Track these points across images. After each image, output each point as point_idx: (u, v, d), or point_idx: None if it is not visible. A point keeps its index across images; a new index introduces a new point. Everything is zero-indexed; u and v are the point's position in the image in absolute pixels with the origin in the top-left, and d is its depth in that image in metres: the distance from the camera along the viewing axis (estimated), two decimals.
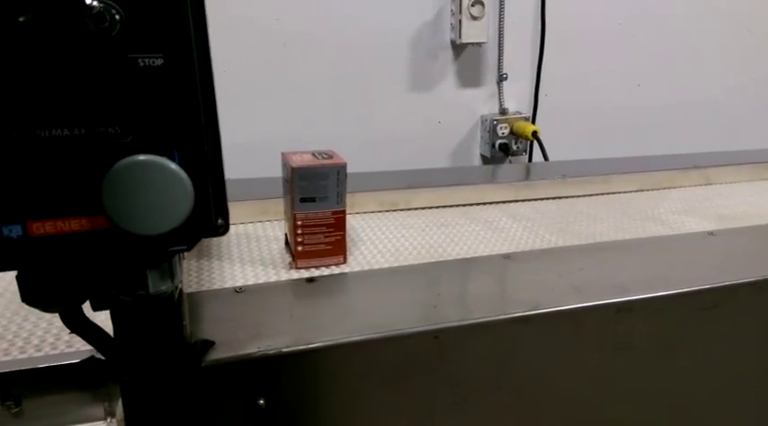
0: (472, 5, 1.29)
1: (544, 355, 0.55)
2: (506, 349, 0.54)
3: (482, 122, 1.44)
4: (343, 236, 0.64)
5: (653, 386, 0.60)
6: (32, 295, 0.27)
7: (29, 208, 0.23)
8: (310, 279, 0.60)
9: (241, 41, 1.23)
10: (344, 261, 0.65)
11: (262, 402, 0.47)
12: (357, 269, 0.64)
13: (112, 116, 0.23)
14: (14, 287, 0.62)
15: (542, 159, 1.39)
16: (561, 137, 1.46)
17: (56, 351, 0.51)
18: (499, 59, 1.40)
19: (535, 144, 1.40)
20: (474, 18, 1.30)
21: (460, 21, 1.30)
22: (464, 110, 1.43)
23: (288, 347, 0.47)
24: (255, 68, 1.26)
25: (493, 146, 1.42)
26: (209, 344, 0.46)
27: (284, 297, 0.57)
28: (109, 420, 0.53)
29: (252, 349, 0.46)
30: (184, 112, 0.23)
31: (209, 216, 0.25)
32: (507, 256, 0.66)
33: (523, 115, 1.43)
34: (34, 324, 0.55)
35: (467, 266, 0.64)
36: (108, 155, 0.23)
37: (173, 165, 0.23)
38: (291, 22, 1.25)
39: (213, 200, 0.25)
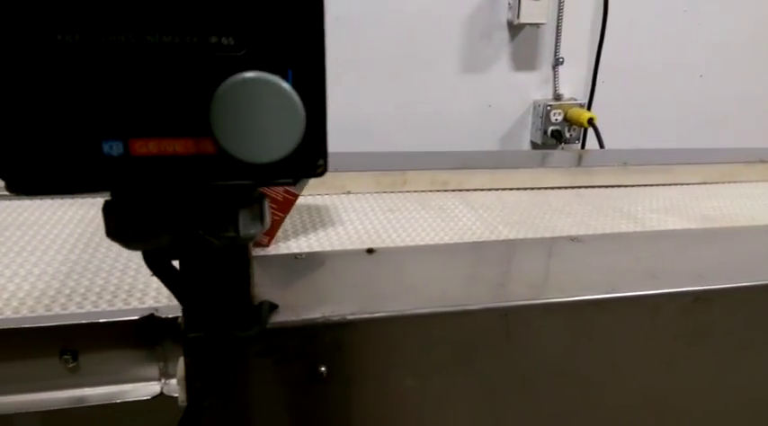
0: None
1: (615, 342, 0.52)
2: (576, 333, 0.51)
3: (534, 107, 1.40)
4: (282, 219, 0.60)
5: (729, 380, 0.56)
6: (121, 227, 0.25)
7: (132, 123, 0.21)
8: (370, 250, 0.58)
9: None
10: (267, 244, 0.61)
11: (323, 369, 0.45)
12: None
13: (227, 25, 0.21)
14: (87, 239, 0.63)
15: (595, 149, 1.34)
16: (616, 126, 1.40)
17: (128, 307, 0.50)
18: (556, 42, 1.35)
19: (588, 133, 1.36)
20: None
21: (520, 0, 1.25)
22: (516, 95, 1.38)
23: (353, 314, 0.45)
24: None
25: (545, 132, 1.37)
26: (273, 307, 0.44)
27: (344, 265, 0.55)
28: (163, 381, 0.53)
29: (316, 314, 0.45)
30: (303, 28, 0.21)
31: (317, 150, 0.23)
32: (574, 238, 0.62)
33: (578, 101, 1.38)
34: (105, 280, 0.54)
35: (532, 246, 0.61)
36: (219, 70, 0.21)
37: (287, 86, 0.21)
38: None
39: (320, 134, 0.22)
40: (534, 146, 1.43)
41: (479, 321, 0.48)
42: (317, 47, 0.21)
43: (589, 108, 1.39)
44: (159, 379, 0.52)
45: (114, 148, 0.20)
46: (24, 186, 0.20)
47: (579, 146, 1.41)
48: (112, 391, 0.51)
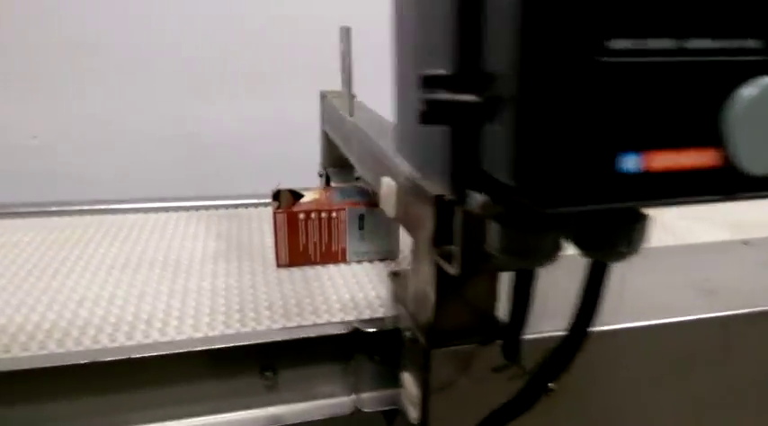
0: None
1: None
2: None
3: None
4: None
5: None
6: (522, 243, 0.23)
7: (650, 134, 0.19)
8: None
9: None
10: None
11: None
12: None
13: (757, 25, 0.19)
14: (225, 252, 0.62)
15: None
16: None
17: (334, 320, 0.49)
18: None
19: None
20: None
21: None
22: None
23: None
24: None
25: None
26: None
27: None
28: (353, 395, 0.51)
29: (544, 327, 0.43)
30: None
31: None
32: (746, 242, 0.60)
33: None
34: (310, 298, 0.53)
35: (710, 251, 0.59)
36: (739, 75, 0.19)
37: None
38: None
39: None
40: None
41: (699, 331, 0.46)
42: None
43: None
44: (349, 394, 0.51)
45: (631, 163, 0.18)
46: (548, 201, 0.18)
47: None
48: (307, 408, 0.50)
